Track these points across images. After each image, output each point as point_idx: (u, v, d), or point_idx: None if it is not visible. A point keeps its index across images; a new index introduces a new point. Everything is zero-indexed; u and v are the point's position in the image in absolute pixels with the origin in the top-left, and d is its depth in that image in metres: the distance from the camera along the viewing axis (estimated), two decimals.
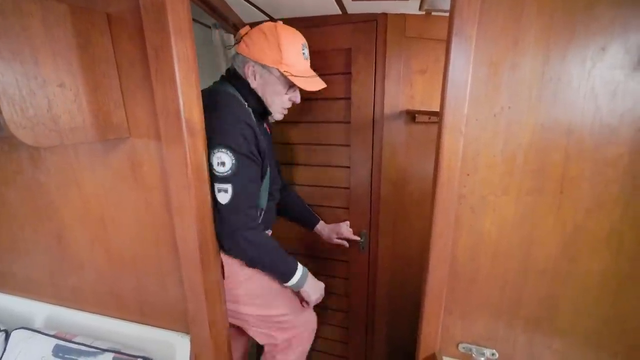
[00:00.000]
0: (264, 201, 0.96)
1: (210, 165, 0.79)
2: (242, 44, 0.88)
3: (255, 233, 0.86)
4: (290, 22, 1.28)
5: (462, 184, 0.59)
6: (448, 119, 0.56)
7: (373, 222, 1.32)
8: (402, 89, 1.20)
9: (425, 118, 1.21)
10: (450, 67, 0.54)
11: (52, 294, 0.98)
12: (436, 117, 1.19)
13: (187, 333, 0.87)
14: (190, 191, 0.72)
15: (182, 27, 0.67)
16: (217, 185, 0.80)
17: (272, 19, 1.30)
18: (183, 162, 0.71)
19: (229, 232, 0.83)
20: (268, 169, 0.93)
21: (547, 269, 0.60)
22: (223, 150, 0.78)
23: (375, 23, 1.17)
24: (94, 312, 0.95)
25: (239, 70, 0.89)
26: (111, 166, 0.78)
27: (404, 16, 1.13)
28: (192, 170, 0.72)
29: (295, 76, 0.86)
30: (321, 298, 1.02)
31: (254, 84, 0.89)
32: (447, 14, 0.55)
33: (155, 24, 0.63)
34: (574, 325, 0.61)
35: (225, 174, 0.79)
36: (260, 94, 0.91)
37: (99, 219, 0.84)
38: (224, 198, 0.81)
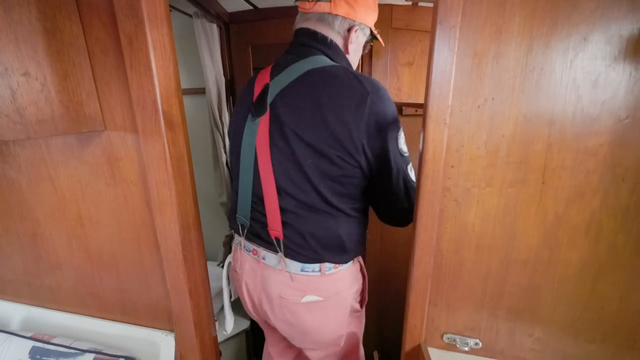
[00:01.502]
0: None
1: (400, 151, 0.71)
2: (342, 4, 0.73)
3: None
4: (274, 11, 1.25)
5: (446, 176, 0.59)
6: (432, 110, 0.55)
7: None
8: (389, 81, 1.19)
9: (412, 110, 1.21)
10: (435, 57, 0.53)
11: (29, 294, 0.94)
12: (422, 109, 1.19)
13: (172, 331, 0.85)
14: (171, 187, 0.70)
15: (158, 14, 0.63)
16: (408, 167, 0.74)
17: (256, 8, 1.27)
18: (162, 157, 0.68)
19: (409, 214, 0.72)
20: None
21: (529, 259, 0.60)
22: (402, 130, 0.73)
23: None
24: (73, 312, 0.92)
25: (332, 36, 0.74)
26: (86, 161, 0.75)
27: (390, 7, 1.11)
28: (172, 165, 0.70)
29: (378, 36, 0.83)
30: None
31: (349, 49, 0.78)
32: (432, 4, 0.53)
33: (128, 10, 0.60)
34: (554, 314, 0.63)
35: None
36: (349, 61, 0.80)
37: (75, 216, 0.81)
38: (412, 175, 0.74)
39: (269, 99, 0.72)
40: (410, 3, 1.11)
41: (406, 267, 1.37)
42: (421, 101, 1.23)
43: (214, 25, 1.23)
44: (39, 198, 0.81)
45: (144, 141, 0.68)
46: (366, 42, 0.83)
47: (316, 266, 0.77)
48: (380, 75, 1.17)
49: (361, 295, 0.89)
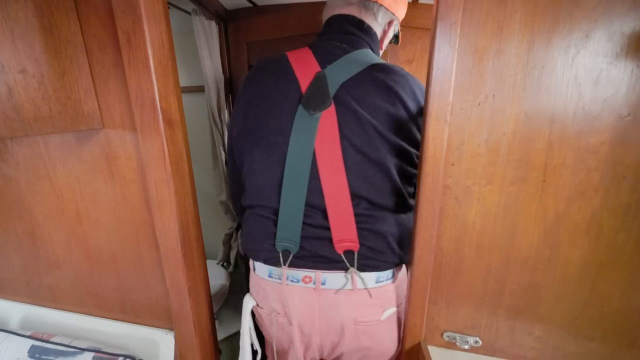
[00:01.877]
0: None
1: None
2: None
3: None
4: (273, 8, 1.24)
5: (447, 174, 0.59)
6: (433, 107, 0.55)
7: None
8: None
9: None
10: (435, 54, 0.52)
11: (28, 293, 0.94)
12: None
13: (171, 330, 0.85)
14: (170, 185, 0.70)
15: (156, 10, 0.63)
16: None
17: (255, 6, 1.26)
18: (161, 155, 0.68)
19: None
20: None
21: (529, 257, 0.60)
22: None
23: None
24: (72, 311, 0.92)
25: (375, 28, 0.70)
26: (85, 159, 0.74)
27: None
28: (171, 163, 0.69)
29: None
30: None
31: (383, 44, 0.75)
32: (433, 1, 0.53)
33: (125, 7, 0.59)
34: (554, 312, 0.62)
35: None
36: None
37: (74, 215, 0.80)
38: None
39: (332, 91, 0.63)
40: (410, 0, 1.11)
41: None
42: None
43: (213, 23, 1.22)
44: (37, 196, 0.81)
45: (143, 139, 0.67)
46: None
47: (389, 272, 0.69)
48: None
49: None
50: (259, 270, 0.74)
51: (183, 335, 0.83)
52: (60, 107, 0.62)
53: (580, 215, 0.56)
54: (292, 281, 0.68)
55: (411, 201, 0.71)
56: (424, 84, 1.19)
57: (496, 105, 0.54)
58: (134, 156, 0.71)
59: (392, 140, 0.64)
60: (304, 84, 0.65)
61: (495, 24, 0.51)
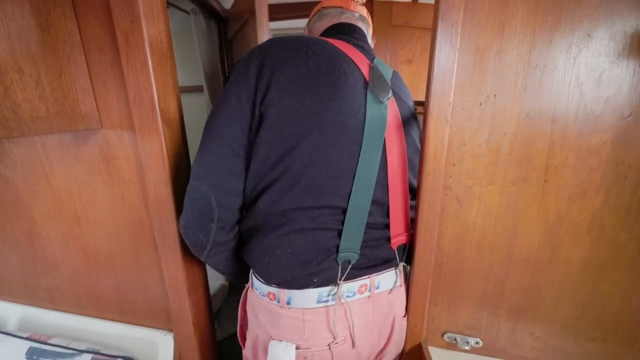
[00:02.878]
0: None
1: None
2: (369, 16, 0.77)
3: None
4: (273, 8, 1.24)
5: (447, 175, 0.58)
6: (434, 107, 0.54)
7: None
8: None
9: None
10: (436, 54, 0.52)
11: (25, 294, 0.93)
12: (422, 107, 1.18)
13: (170, 331, 0.85)
14: (168, 185, 0.69)
15: (154, 10, 0.62)
16: None
17: None
18: (159, 155, 0.67)
19: None
20: None
21: (530, 258, 0.60)
22: None
23: None
24: (70, 312, 0.91)
25: (368, 39, 0.74)
26: (83, 159, 0.74)
27: (390, 3, 1.10)
28: (170, 164, 0.69)
29: None
30: None
31: None
32: (433, 1, 0.53)
33: (124, 6, 0.59)
34: (555, 313, 0.62)
35: None
36: None
37: (72, 215, 0.80)
38: None
39: (390, 86, 0.61)
40: (410, 0, 1.10)
41: None
42: (421, 99, 1.23)
43: (212, 22, 1.22)
44: (35, 197, 0.80)
45: (141, 139, 0.67)
46: None
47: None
48: None
49: None
50: (300, 301, 0.56)
51: (182, 336, 0.83)
52: (58, 107, 0.61)
53: (581, 215, 0.56)
54: (347, 297, 0.57)
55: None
56: (423, 84, 1.18)
57: (497, 105, 0.54)
58: (133, 156, 0.70)
59: (417, 129, 0.71)
60: (365, 71, 0.60)
61: (497, 23, 0.50)
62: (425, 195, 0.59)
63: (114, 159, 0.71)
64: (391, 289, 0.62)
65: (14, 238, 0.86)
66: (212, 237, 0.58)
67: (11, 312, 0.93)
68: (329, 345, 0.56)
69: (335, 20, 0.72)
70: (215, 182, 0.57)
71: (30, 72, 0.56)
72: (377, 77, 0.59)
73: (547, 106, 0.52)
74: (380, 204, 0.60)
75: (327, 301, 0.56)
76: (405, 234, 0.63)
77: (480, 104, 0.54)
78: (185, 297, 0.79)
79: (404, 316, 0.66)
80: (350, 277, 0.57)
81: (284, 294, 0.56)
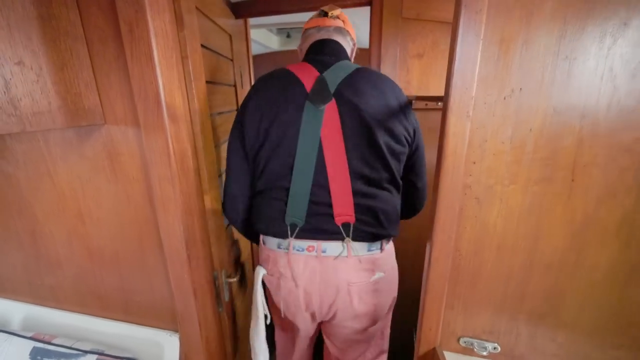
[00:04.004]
0: None
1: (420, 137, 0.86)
2: (349, 26, 0.92)
3: None
4: (279, 1, 1.20)
5: (467, 173, 0.55)
6: (454, 101, 0.51)
7: None
8: (398, 73, 1.15)
9: (422, 104, 1.17)
10: (458, 44, 0.49)
11: (29, 293, 0.92)
12: (434, 103, 1.15)
13: (176, 331, 0.83)
14: (174, 183, 0.67)
15: (159, 0, 0.60)
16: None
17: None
18: (165, 152, 0.65)
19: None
20: None
21: (554, 261, 0.57)
22: None
23: (370, 2, 1.11)
24: (75, 312, 0.89)
25: (345, 47, 0.90)
26: (86, 156, 0.72)
27: None
28: (176, 161, 0.67)
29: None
30: None
31: (352, 58, 0.96)
32: None
33: None
34: (579, 318, 0.59)
35: None
36: None
37: (75, 213, 0.78)
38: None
39: (332, 89, 0.77)
40: None
41: (416, 266, 1.33)
42: (431, 94, 1.19)
43: None
44: (38, 194, 0.78)
45: (146, 135, 0.64)
46: None
47: (378, 243, 0.82)
48: (389, 67, 1.13)
49: None
50: (269, 243, 0.86)
51: (188, 337, 0.81)
52: (60, 102, 0.59)
53: (610, 217, 0.53)
54: (297, 250, 0.81)
55: (399, 178, 0.84)
56: (434, 80, 1.15)
57: (523, 99, 0.50)
58: (137, 153, 0.68)
59: (382, 121, 0.76)
60: (308, 85, 0.78)
61: (524, 11, 0.47)
62: (443, 194, 0.56)
63: (118, 155, 0.69)
64: (336, 256, 0.80)
65: (17, 236, 0.84)
66: (241, 215, 0.89)
67: (15, 311, 0.92)
68: (279, 277, 0.85)
69: (313, 39, 0.89)
70: (233, 185, 0.87)
71: (31, 64, 0.54)
72: (318, 88, 0.77)
73: (576, 100, 0.49)
74: (323, 187, 0.78)
75: (282, 248, 0.83)
76: (351, 215, 0.78)
77: (505, 98, 0.51)
78: (192, 297, 0.77)
79: (354, 284, 0.82)
80: (299, 237, 0.80)
81: (262, 237, 0.89)
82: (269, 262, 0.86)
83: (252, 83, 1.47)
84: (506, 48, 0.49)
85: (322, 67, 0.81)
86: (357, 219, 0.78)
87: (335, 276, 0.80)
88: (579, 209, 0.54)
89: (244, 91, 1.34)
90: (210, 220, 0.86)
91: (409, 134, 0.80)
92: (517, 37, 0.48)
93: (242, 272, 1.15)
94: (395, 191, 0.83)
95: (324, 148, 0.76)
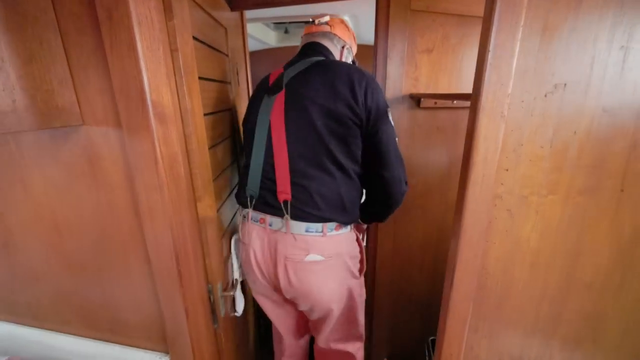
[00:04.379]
0: None
1: (390, 119, 0.85)
2: (338, 28, 1.00)
3: None
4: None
5: (498, 182, 0.48)
6: (487, 99, 0.44)
7: None
8: (406, 70, 1.07)
9: (431, 103, 1.10)
10: (493, 33, 0.42)
11: (4, 310, 0.83)
12: (447, 101, 1.08)
13: (167, 353, 0.75)
14: (163, 192, 0.59)
15: None
16: (397, 139, 0.87)
17: None
18: (152, 157, 0.57)
19: (403, 183, 0.88)
20: None
21: (595, 281, 0.50)
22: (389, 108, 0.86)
23: None
24: (55, 331, 0.81)
25: (332, 49, 0.98)
26: (63, 161, 0.64)
27: None
28: (164, 167, 0.59)
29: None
30: None
31: (342, 57, 1.02)
32: None
33: None
34: (621, 344, 0.53)
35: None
36: None
37: (52, 224, 0.70)
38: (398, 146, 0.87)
39: (285, 81, 0.88)
40: None
41: (421, 272, 1.26)
42: (440, 92, 1.12)
43: None
44: (10, 204, 0.70)
45: (130, 138, 0.57)
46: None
47: (319, 226, 0.86)
48: (396, 63, 1.06)
49: (360, 263, 1.00)
50: (240, 213, 1.00)
51: (180, 359, 0.73)
52: (28, 100, 0.51)
53: None
54: (253, 221, 0.93)
55: (347, 163, 0.85)
56: (443, 76, 1.07)
57: (567, 97, 0.43)
58: (120, 158, 0.60)
59: (321, 103, 0.81)
60: (272, 81, 0.93)
61: None
62: (470, 207, 0.49)
63: (99, 160, 0.61)
64: (277, 230, 0.88)
65: None
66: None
67: None
68: (242, 243, 0.97)
69: (301, 45, 1.01)
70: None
71: None
72: (275, 82, 0.91)
73: (631, 99, 0.42)
74: (271, 165, 0.87)
75: (244, 218, 0.95)
76: (288, 193, 0.85)
77: (546, 96, 0.44)
78: (183, 316, 0.69)
79: (289, 260, 0.88)
80: (255, 209, 0.92)
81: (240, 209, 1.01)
82: (239, 230, 0.99)
83: (249, 81, 1.39)
84: (549, 37, 0.42)
85: (290, 65, 0.93)
86: (293, 197, 0.84)
87: (276, 249, 0.89)
88: (627, 223, 0.47)
89: (240, 89, 1.26)
90: (205, 230, 0.78)
91: (356, 116, 0.81)
92: (563, 24, 0.41)
93: (242, 283, 1.08)
94: (341, 176, 0.85)
95: (272, 131, 0.86)
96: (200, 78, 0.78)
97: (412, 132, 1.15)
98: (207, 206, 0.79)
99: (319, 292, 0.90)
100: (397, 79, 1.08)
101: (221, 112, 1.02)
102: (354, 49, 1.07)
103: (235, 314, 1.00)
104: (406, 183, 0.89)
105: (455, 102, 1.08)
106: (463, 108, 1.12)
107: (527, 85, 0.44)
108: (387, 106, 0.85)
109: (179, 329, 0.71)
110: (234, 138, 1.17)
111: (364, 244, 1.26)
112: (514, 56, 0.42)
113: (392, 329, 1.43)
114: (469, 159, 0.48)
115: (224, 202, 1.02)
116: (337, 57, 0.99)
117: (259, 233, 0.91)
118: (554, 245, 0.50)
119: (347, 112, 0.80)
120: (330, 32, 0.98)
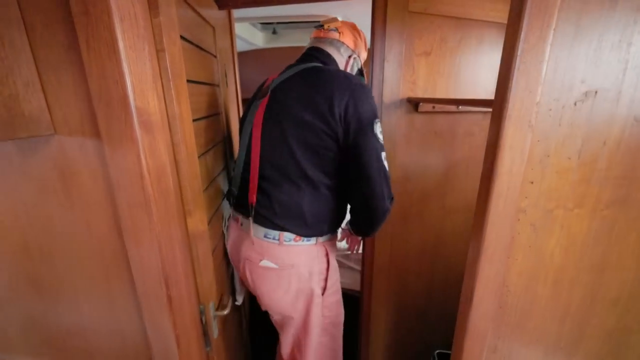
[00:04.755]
0: None
1: (375, 133, 0.79)
2: (347, 36, 0.96)
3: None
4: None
5: (523, 195, 0.45)
6: (513, 108, 0.41)
7: None
8: (404, 73, 1.04)
9: (429, 107, 1.07)
10: (523, 35, 0.38)
11: None
12: (442, 105, 1.06)
13: None
14: (149, 209, 0.52)
15: None
16: (383, 154, 0.81)
17: None
18: (137, 171, 0.50)
19: (387, 200, 0.82)
20: None
21: (621, 297, 0.48)
22: (379, 121, 0.81)
23: None
24: None
25: (336, 57, 0.95)
26: (32, 176, 0.56)
27: None
28: (151, 181, 0.52)
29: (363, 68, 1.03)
30: None
31: (347, 67, 0.98)
32: None
33: None
34: None
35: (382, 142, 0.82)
36: None
37: (21, 247, 0.61)
38: (386, 164, 0.81)
39: (271, 87, 0.88)
40: None
41: (419, 280, 1.23)
42: (437, 96, 1.10)
43: None
44: None
45: (111, 150, 0.50)
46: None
47: (276, 234, 0.87)
48: (393, 66, 1.03)
49: (324, 281, 0.94)
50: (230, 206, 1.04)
51: None
52: None
53: None
54: (233, 218, 0.98)
55: (317, 176, 0.83)
56: (441, 81, 1.05)
57: (598, 105, 0.41)
58: (99, 172, 0.53)
59: (295, 113, 0.80)
60: (266, 85, 0.93)
61: None
62: (493, 221, 0.46)
63: (74, 175, 0.54)
64: (244, 231, 0.92)
65: None
66: None
67: None
68: (228, 235, 1.02)
69: (307, 47, 0.98)
70: None
71: None
72: (263, 87, 0.93)
73: None
74: (249, 167, 0.90)
75: (229, 214, 1.02)
76: (253, 196, 0.88)
77: (575, 104, 0.41)
78: (173, 344, 0.63)
79: (248, 261, 0.92)
80: (234, 207, 0.98)
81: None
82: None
83: (237, 82, 1.32)
84: (580, 40, 0.39)
85: (286, 69, 0.91)
86: (257, 202, 0.87)
87: (241, 249, 0.93)
88: None
89: (229, 92, 1.19)
90: (195, 246, 0.71)
91: (331, 129, 0.78)
92: (595, 25, 0.38)
93: (234, 298, 1.02)
94: (307, 188, 0.84)
95: (252, 135, 0.88)
96: (188, 81, 0.71)
97: (409, 137, 1.12)
98: (197, 220, 0.72)
99: (269, 299, 0.92)
100: (394, 82, 1.05)
101: (211, 116, 0.95)
102: (363, 56, 1.03)
103: (236, 302, 1.04)
104: (391, 200, 0.83)
105: (460, 107, 1.06)
106: (462, 113, 1.10)
107: (555, 93, 0.41)
108: (374, 118, 0.79)
109: (168, 358, 0.64)
110: (224, 143, 1.10)
111: (360, 251, 1.22)
112: (544, 61, 0.39)
113: (390, 338, 1.40)
114: (493, 171, 0.44)
115: (215, 212, 0.95)
116: (342, 67, 0.96)
117: (234, 230, 0.98)
118: (579, 261, 0.47)
119: (319, 125, 0.78)
120: (338, 40, 0.95)
